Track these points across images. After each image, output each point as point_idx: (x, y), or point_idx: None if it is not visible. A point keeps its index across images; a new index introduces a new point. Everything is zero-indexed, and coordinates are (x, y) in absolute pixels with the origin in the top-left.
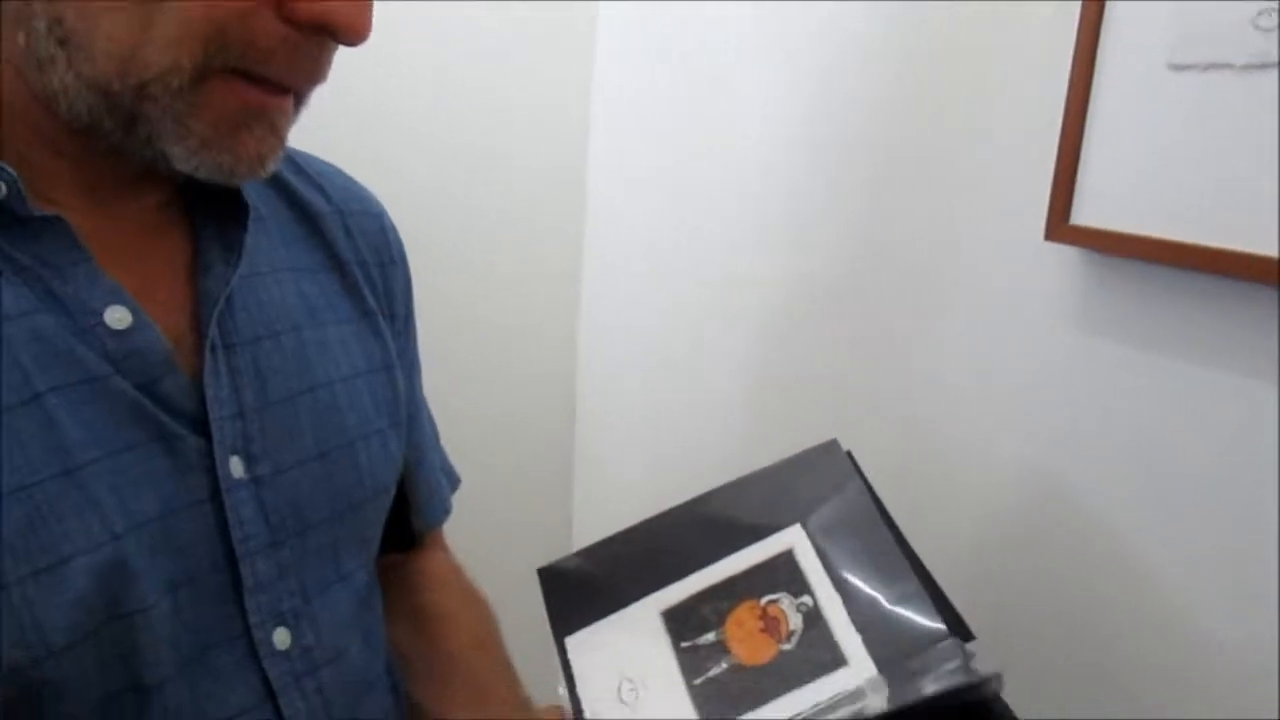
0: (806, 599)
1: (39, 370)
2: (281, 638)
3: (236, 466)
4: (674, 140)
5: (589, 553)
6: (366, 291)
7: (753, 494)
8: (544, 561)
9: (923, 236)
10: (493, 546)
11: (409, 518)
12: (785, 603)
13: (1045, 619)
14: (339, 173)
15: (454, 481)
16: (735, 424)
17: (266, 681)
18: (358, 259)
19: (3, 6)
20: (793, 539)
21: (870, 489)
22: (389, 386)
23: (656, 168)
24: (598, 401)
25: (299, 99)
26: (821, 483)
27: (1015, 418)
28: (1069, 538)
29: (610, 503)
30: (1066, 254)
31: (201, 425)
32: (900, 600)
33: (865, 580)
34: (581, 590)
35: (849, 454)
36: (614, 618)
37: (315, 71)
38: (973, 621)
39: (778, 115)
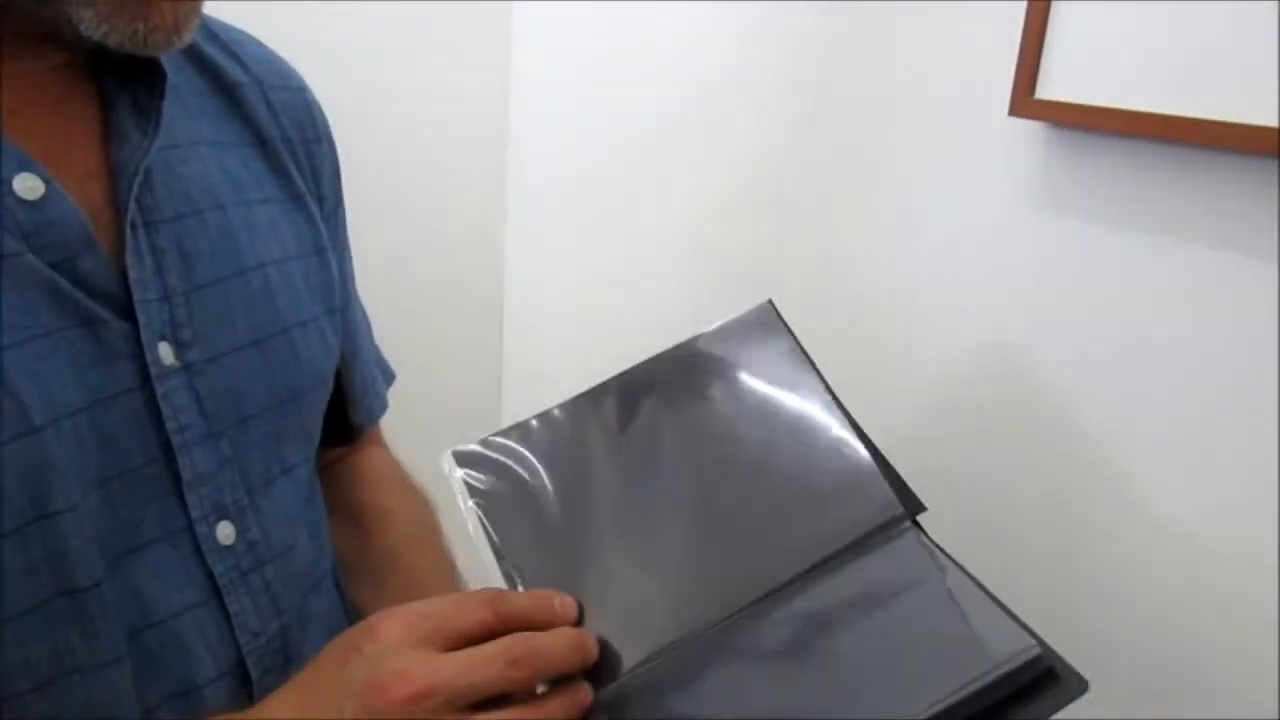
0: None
1: None
2: (225, 532)
3: (166, 353)
4: None
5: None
6: (293, 170)
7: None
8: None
9: (883, 112)
10: (428, 438)
11: (346, 413)
12: None
13: (1007, 496)
14: (256, 41)
15: (389, 376)
16: (673, 295)
17: (211, 578)
18: (282, 135)
19: None
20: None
21: (804, 352)
22: (322, 271)
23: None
24: (526, 288)
25: None
26: (751, 337)
27: (980, 294)
28: (1034, 414)
29: (542, 380)
30: (1031, 129)
31: (125, 309)
32: (850, 472)
33: (813, 454)
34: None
35: (776, 312)
36: None
37: None
38: (930, 501)
39: None
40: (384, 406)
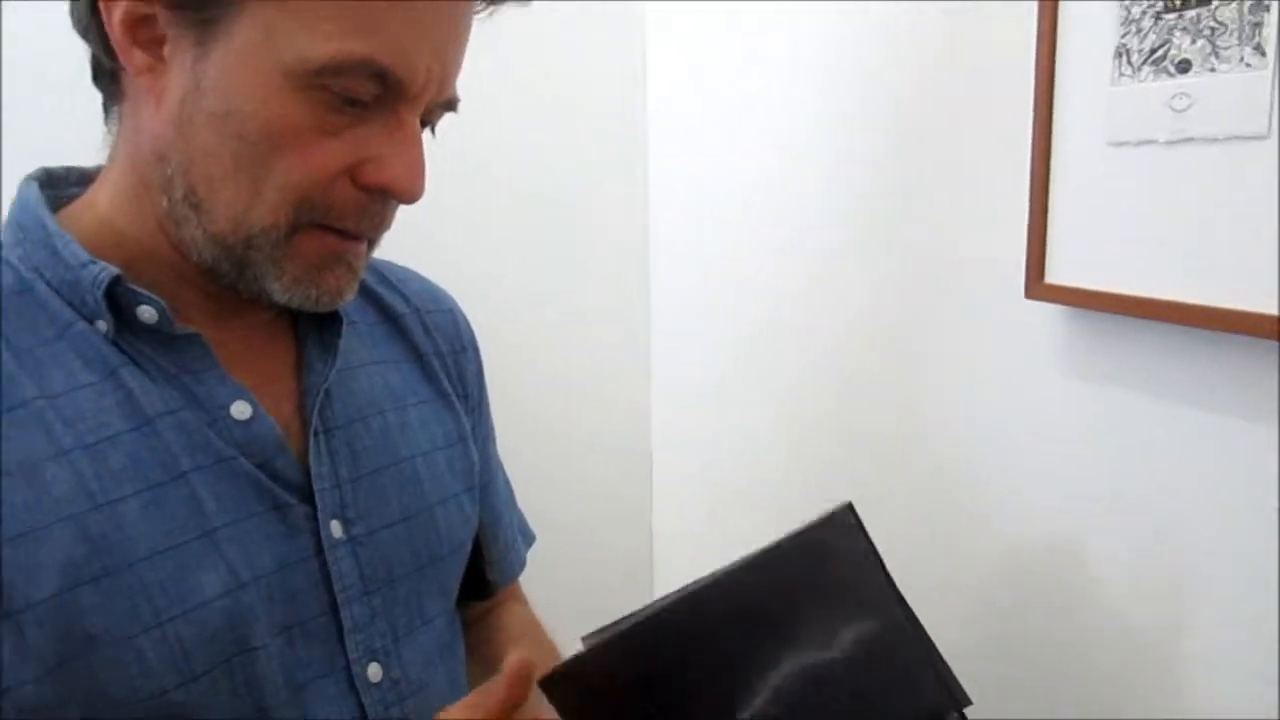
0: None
1: (184, 453)
2: (374, 671)
3: (336, 528)
4: (726, 220)
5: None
6: (443, 377)
7: (770, 579)
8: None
9: (922, 303)
10: (571, 598)
11: (484, 571)
12: None
13: (1037, 657)
14: (416, 276)
15: (529, 538)
16: (775, 472)
17: (362, 708)
18: (435, 350)
19: (150, 178)
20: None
21: (873, 548)
22: (465, 457)
23: (709, 259)
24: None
25: (371, 242)
26: (839, 560)
27: (1009, 459)
28: (1060, 572)
29: (687, 535)
30: (1046, 309)
31: (307, 495)
32: (906, 671)
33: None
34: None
35: (855, 518)
36: None
37: (381, 223)
38: (972, 679)
39: (809, 200)
40: (522, 565)
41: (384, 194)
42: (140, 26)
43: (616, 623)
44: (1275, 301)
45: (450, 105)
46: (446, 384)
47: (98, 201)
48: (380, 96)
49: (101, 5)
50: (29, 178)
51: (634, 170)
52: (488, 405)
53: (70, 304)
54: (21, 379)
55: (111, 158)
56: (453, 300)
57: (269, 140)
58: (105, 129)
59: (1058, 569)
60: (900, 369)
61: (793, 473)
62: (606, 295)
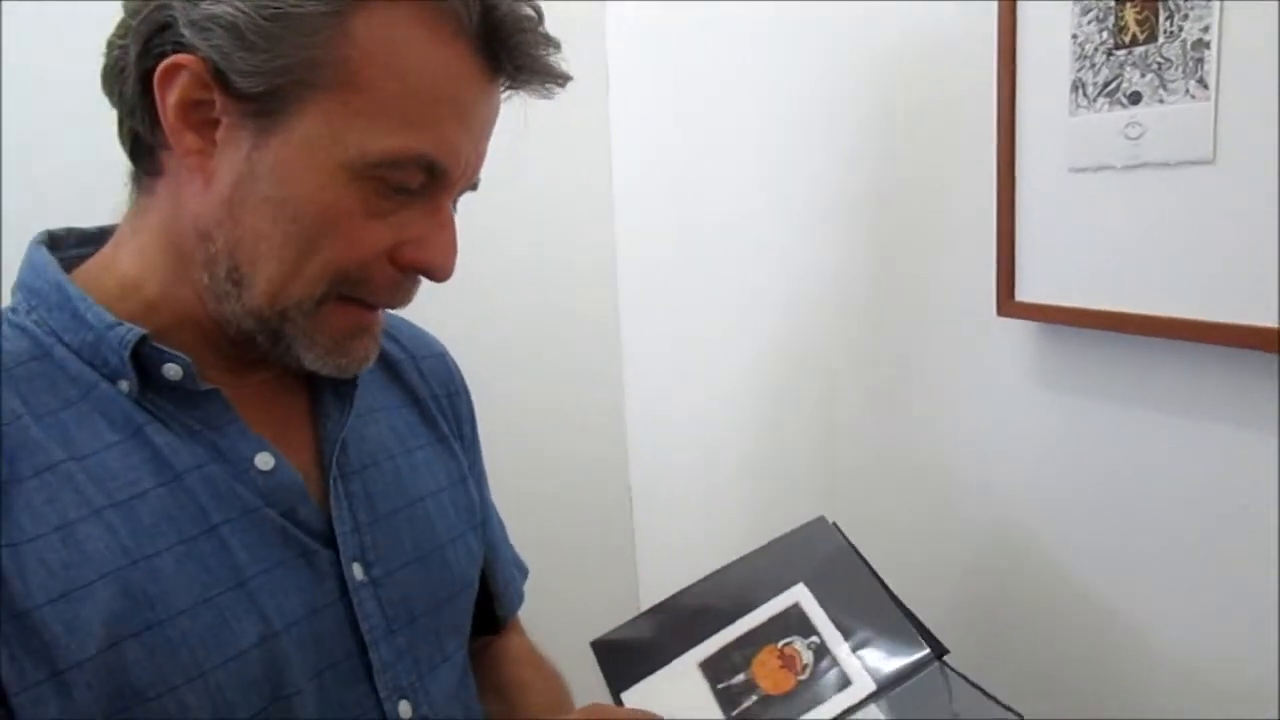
0: (815, 638)
1: (213, 507)
2: (405, 709)
3: (358, 571)
4: (689, 233)
5: (630, 625)
6: (440, 420)
7: (762, 563)
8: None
9: (900, 319)
10: (560, 624)
11: (491, 607)
12: (798, 643)
13: (1019, 642)
14: (406, 322)
15: (524, 572)
16: (753, 486)
17: None
18: (431, 394)
19: (190, 253)
20: (798, 594)
21: (853, 547)
22: (466, 496)
23: (675, 266)
24: (651, 479)
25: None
26: (815, 548)
27: (987, 466)
28: (1035, 568)
29: (673, 567)
30: (1017, 325)
31: (329, 540)
32: (888, 630)
33: (858, 617)
34: (629, 654)
35: (835, 524)
36: (661, 672)
37: (409, 297)
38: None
39: (777, 229)
40: (521, 598)
41: (419, 273)
42: (195, 109)
43: (622, 625)
44: (1225, 309)
45: (474, 186)
46: (444, 426)
47: (119, 266)
48: (425, 185)
49: (157, 86)
50: (35, 242)
51: (599, 175)
52: (479, 446)
53: (91, 364)
54: (48, 443)
55: (135, 226)
56: (441, 344)
57: (322, 224)
58: (129, 194)
59: (1032, 566)
60: (879, 385)
61: (770, 488)
62: (576, 305)
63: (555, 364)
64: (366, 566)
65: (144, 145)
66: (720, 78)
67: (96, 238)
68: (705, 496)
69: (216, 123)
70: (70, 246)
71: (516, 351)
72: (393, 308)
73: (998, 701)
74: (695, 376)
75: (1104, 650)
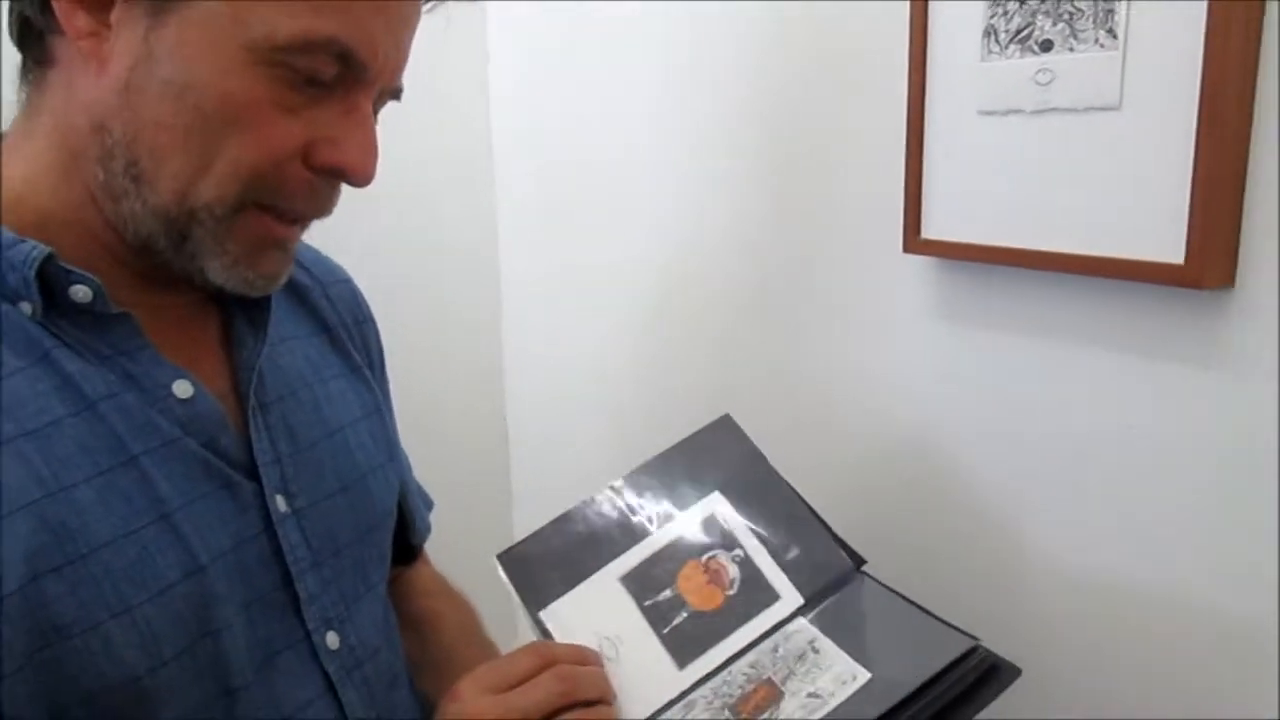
0: (738, 551)
1: (130, 437)
2: (332, 640)
3: (281, 503)
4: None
5: (537, 537)
6: (351, 349)
7: (670, 470)
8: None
9: (806, 255)
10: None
11: (408, 538)
12: (723, 557)
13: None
14: (310, 249)
15: (428, 503)
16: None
17: (326, 676)
18: (340, 321)
19: (84, 149)
20: (714, 502)
21: (761, 455)
22: (382, 426)
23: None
24: (526, 407)
25: (305, 225)
26: (725, 451)
27: (893, 395)
28: (936, 482)
29: (546, 492)
30: (922, 262)
31: (251, 471)
32: (809, 541)
33: (778, 528)
34: (541, 568)
35: (738, 426)
36: (580, 588)
37: (325, 206)
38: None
39: (674, 171)
40: (428, 529)
41: (336, 175)
42: None
43: (529, 537)
44: (1124, 246)
45: (397, 94)
46: (356, 355)
47: (10, 176)
48: (339, 77)
49: None
50: None
51: (476, 100)
52: (387, 376)
53: None
54: None
55: (26, 129)
56: (346, 271)
57: (225, 114)
58: (19, 95)
59: (930, 490)
60: (782, 318)
61: (662, 418)
62: (454, 238)
63: (433, 298)
64: (290, 498)
65: (33, 30)
66: (620, 14)
67: None
68: (589, 432)
69: (111, 3)
70: None
71: (391, 285)
72: (311, 218)
73: (920, 608)
74: (584, 313)
75: (990, 561)
